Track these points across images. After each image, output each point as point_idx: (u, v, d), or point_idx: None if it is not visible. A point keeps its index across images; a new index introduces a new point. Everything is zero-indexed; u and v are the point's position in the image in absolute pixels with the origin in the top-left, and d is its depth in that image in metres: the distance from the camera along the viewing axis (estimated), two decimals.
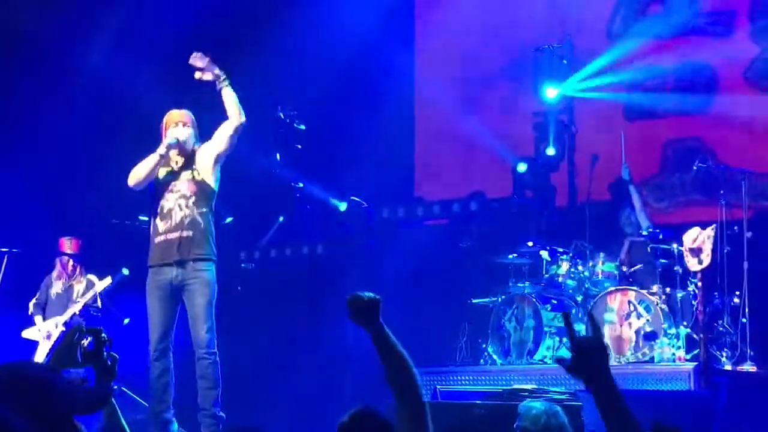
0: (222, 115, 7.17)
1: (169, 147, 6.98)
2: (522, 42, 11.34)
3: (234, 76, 10.61)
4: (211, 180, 7.03)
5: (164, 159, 7.01)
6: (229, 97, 7.13)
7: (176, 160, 7.07)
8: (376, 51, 11.71)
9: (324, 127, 11.03)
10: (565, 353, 4.76)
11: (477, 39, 11.79)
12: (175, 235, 6.87)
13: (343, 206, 11.06)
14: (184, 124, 7.11)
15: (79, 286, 9.69)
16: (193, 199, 6.93)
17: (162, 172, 7.08)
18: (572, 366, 2.66)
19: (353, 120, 11.49)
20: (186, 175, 7.02)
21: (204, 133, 7.23)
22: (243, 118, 7.11)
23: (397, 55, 12.21)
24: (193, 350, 6.84)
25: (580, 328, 9.05)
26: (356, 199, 10.99)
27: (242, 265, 11.08)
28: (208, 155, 7.05)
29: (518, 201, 10.81)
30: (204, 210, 6.94)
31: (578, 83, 10.96)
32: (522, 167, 10.86)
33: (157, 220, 7.00)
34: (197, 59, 7.17)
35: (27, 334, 9.63)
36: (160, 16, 10.67)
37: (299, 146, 10.42)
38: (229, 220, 10.06)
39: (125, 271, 9.54)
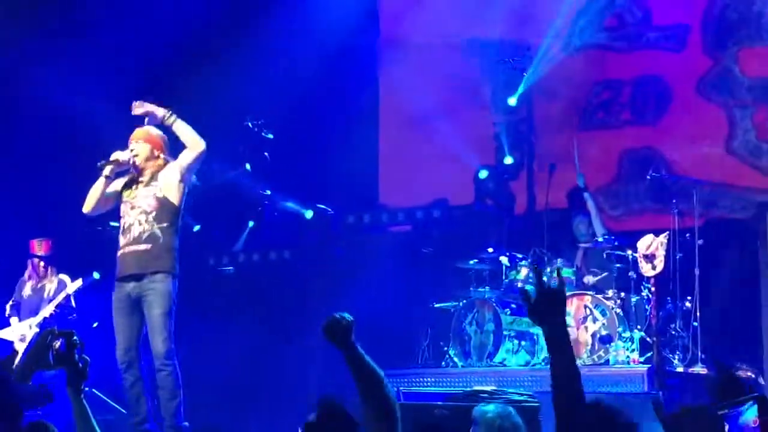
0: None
1: (111, 168, 6.99)
2: (483, 55, 11.38)
3: (203, 87, 10.70)
4: (174, 196, 6.96)
5: (110, 180, 7.03)
6: (181, 129, 7.08)
7: (141, 178, 7.05)
8: (341, 63, 11.72)
9: (291, 136, 11.05)
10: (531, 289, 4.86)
11: (439, 52, 11.79)
12: (132, 248, 6.86)
13: (309, 213, 11.09)
14: (137, 141, 7.07)
15: (50, 286, 9.66)
16: (153, 214, 6.88)
17: (126, 190, 7.08)
18: (534, 307, 2.85)
19: (319, 130, 11.52)
20: (148, 191, 6.98)
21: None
22: (202, 146, 7.07)
23: (362, 67, 12.26)
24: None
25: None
26: (322, 206, 11.03)
27: (221, 268, 11.06)
28: (172, 173, 7.00)
29: (479, 208, 10.85)
30: (164, 225, 6.89)
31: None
32: (483, 174, 10.91)
33: (120, 235, 7.00)
34: (136, 108, 7.14)
35: (2, 334, 9.61)
36: (130, 29, 10.64)
37: (266, 155, 10.43)
38: (196, 228, 10.08)
39: (96, 276, 9.50)
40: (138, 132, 7.11)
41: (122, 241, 6.94)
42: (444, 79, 11.67)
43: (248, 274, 11.30)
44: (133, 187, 7.06)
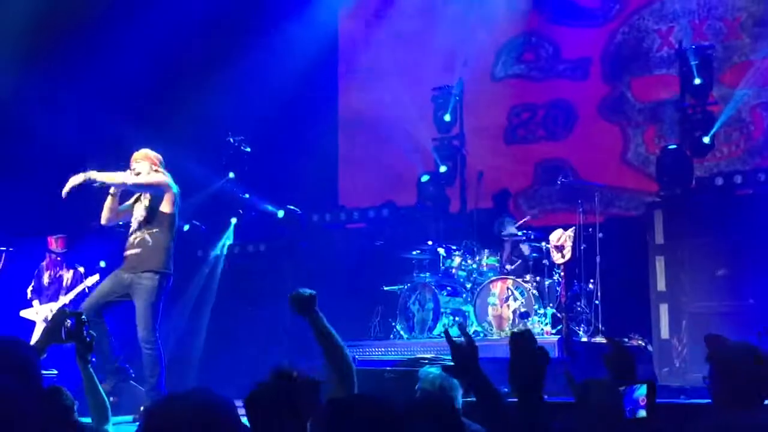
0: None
1: (114, 187, 6.93)
2: (425, 82, 11.40)
3: (192, 109, 10.64)
4: (162, 205, 6.91)
5: (115, 196, 6.96)
6: (108, 180, 6.85)
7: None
8: (307, 87, 11.72)
9: (266, 149, 11.01)
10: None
11: (390, 78, 11.80)
12: (129, 252, 6.89)
13: (281, 213, 11.07)
14: (137, 161, 6.97)
15: (67, 276, 9.60)
16: (144, 222, 6.88)
17: (131, 201, 7.07)
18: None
19: (289, 143, 11.47)
20: (142, 202, 6.97)
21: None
22: (131, 181, 6.88)
23: (325, 90, 12.28)
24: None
25: (468, 309, 9.19)
26: (292, 207, 11.02)
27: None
28: None
29: (420, 209, 10.86)
30: (154, 231, 6.86)
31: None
32: (425, 178, 10.91)
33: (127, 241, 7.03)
34: (67, 189, 6.83)
35: (24, 313, 9.51)
36: (126, 58, 10.51)
37: (246, 167, 10.43)
38: (186, 227, 10.03)
39: (102, 264, 9.46)
40: (137, 154, 7.01)
41: (126, 244, 6.96)
42: (394, 101, 11.67)
43: (231, 263, 11.25)
44: (137, 199, 7.05)
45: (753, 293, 8.72)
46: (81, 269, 9.59)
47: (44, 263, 9.65)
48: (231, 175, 10.72)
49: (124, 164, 7.04)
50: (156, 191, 6.92)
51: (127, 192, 7.04)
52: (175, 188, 6.99)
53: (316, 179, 11.82)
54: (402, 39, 11.90)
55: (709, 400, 3.54)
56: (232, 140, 10.37)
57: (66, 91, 10.06)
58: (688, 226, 9.20)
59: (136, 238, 6.88)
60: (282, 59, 11.26)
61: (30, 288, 9.60)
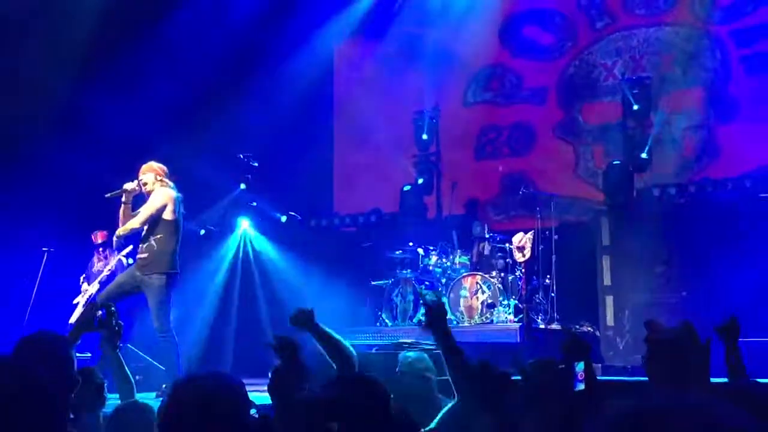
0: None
1: (123, 196, 6.82)
2: (408, 106, 11.43)
3: (211, 131, 10.64)
4: (165, 214, 6.71)
5: (128, 205, 6.82)
6: (128, 225, 6.78)
7: None
8: (307, 111, 11.69)
9: (271, 164, 10.96)
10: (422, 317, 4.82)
11: (378, 103, 11.80)
12: (139, 255, 6.76)
13: (284, 218, 11.06)
14: (144, 173, 6.82)
15: (113, 262, 9.49)
16: (150, 228, 6.73)
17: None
18: (425, 325, 2.87)
19: (291, 159, 11.42)
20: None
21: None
22: (138, 224, 6.73)
23: (322, 114, 12.27)
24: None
25: (443, 300, 9.21)
26: (293, 213, 11.02)
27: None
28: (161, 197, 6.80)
29: (403, 215, 10.88)
30: (159, 236, 6.68)
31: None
32: (407, 187, 10.94)
33: None
34: (113, 193, 6.89)
35: (78, 299, 9.36)
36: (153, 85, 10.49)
37: (254, 180, 10.42)
38: (202, 232, 10.01)
39: (130, 261, 9.41)
40: (144, 167, 6.86)
41: (139, 248, 6.84)
42: (380, 122, 11.68)
43: (239, 263, 11.24)
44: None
45: (685, 287, 8.79)
46: (124, 259, 9.46)
47: (94, 258, 9.49)
48: (242, 186, 10.68)
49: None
50: (160, 211, 6.72)
51: (139, 199, 6.87)
52: (176, 196, 6.80)
53: (314, 189, 11.81)
54: (388, 69, 11.89)
55: (644, 378, 3.58)
56: (242, 156, 10.35)
57: (109, 105, 9.96)
58: (630, 230, 9.26)
59: (144, 243, 6.72)
60: (285, 86, 11.25)
61: (82, 277, 9.46)
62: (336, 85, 12.71)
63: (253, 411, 2.33)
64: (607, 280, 9.29)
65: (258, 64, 11.53)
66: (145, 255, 6.70)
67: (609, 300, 9.26)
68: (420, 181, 10.85)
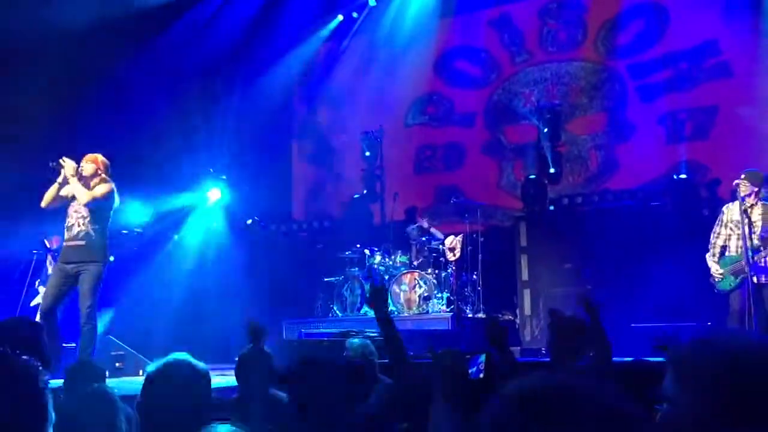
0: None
1: (59, 172, 6.14)
2: (358, 127, 11.45)
3: (181, 145, 10.49)
4: (102, 207, 6.16)
5: (62, 185, 6.15)
6: (72, 184, 6.14)
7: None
8: (268, 135, 11.69)
9: (238, 177, 10.89)
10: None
11: (330, 125, 11.84)
12: (72, 243, 6.10)
13: (249, 221, 10.92)
14: (87, 162, 6.22)
15: None
16: (88, 218, 6.10)
17: (70, 195, 6.21)
18: (369, 300, 2.93)
19: (255, 173, 11.38)
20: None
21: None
22: (86, 199, 6.08)
23: (283, 135, 12.25)
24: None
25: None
26: (256, 218, 10.95)
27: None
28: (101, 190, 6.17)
29: (351, 220, 10.89)
30: (96, 227, 6.10)
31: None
32: (356, 196, 10.94)
33: (65, 231, 6.19)
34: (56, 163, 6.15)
35: (34, 302, 9.00)
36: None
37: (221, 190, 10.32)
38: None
39: (111, 258, 9.12)
40: (88, 156, 6.25)
41: (66, 235, 6.16)
42: (335, 140, 11.76)
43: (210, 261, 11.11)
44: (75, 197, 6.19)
45: (590, 281, 8.96)
46: None
47: (47, 262, 9.10)
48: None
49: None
50: (106, 201, 6.19)
51: (66, 182, 6.18)
52: (114, 192, 6.24)
53: (274, 199, 11.76)
54: (339, 94, 11.92)
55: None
56: (211, 170, 10.27)
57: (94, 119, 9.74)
58: (544, 233, 9.42)
59: (80, 231, 6.09)
60: (251, 111, 11.23)
61: (37, 282, 9.12)
62: (296, 108, 12.69)
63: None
64: (525, 276, 9.43)
65: (225, 87, 11.48)
66: (82, 243, 6.09)
67: (526, 292, 9.38)
68: (364, 191, 10.84)
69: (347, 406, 2.49)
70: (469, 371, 2.45)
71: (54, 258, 8.90)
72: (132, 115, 10.05)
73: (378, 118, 11.28)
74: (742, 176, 6.33)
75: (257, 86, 11.54)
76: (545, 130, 9.79)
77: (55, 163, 6.13)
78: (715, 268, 6.49)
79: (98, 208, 6.14)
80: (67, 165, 6.13)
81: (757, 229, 6.30)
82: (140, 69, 10.00)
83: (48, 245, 9.09)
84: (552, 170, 9.65)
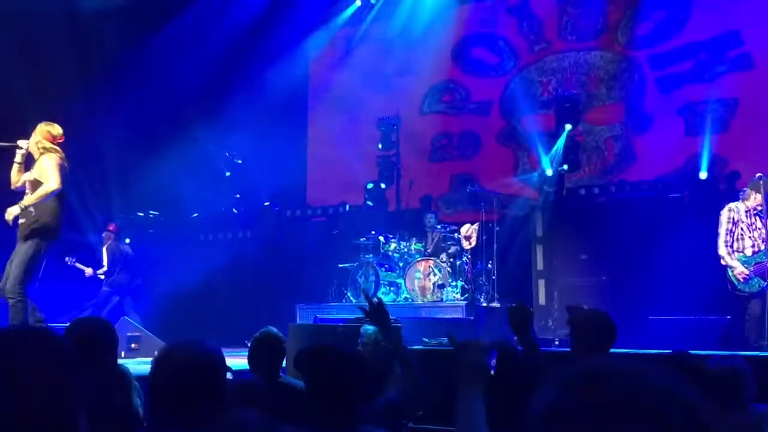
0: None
1: (19, 155, 5.70)
2: (374, 114, 11.34)
3: (202, 130, 10.49)
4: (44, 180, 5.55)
5: (22, 165, 5.74)
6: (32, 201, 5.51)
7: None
8: (286, 117, 11.61)
9: (254, 162, 10.84)
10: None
11: (347, 110, 11.75)
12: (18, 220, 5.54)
13: (266, 203, 10.83)
14: (34, 133, 5.66)
15: None
16: (28, 194, 5.56)
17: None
18: (369, 318, 2.87)
19: (271, 158, 11.30)
20: (29, 175, 5.67)
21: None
22: (30, 202, 5.49)
23: (298, 118, 12.17)
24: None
25: (400, 281, 9.15)
26: (272, 203, 10.90)
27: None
28: (43, 166, 5.57)
29: (366, 207, 10.83)
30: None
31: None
32: (370, 185, 10.88)
33: None
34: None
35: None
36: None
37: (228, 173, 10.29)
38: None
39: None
40: (38, 127, 5.68)
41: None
42: (349, 127, 11.65)
43: (227, 246, 11.13)
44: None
45: (605, 272, 8.88)
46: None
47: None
48: (227, 174, 10.49)
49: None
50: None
51: (30, 160, 5.67)
52: (64, 166, 5.65)
53: (290, 185, 11.70)
54: (357, 80, 11.83)
55: (569, 349, 3.63)
56: (227, 155, 10.24)
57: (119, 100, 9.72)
58: (560, 223, 9.34)
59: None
60: (267, 95, 11.17)
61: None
62: (311, 94, 12.63)
63: (228, 375, 2.26)
64: (540, 266, 9.35)
65: (244, 72, 11.44)
66: (22, 221, 5.58)
67: (541, 282, 9.31)
68: (383, 185, 10.74)
69: (366, 395, 2.42)
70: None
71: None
72: (148, 100, 10.05)
73: (395, 105, 11.18)
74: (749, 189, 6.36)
75: (274, 71, 11.47)
76: (563, 120, 9.64)
77: (4, 144, 5.73)
78: (741, 268, 6.36)
79: (40, 183, 5.57)
80: (22, 143, 5.68)
81: (762, 233, 6.23)
82: (158, 53, 9.99)
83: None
84: (565, 167, 9.50)
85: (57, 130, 5.69)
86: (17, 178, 5.72)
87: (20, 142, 5.69)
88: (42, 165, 5.56)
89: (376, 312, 3.00)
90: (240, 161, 10.22)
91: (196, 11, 10.55)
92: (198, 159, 10.13)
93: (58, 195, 5.58)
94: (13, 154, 5.73)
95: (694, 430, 0.82)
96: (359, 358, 2.63)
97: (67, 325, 3.10)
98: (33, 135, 5.64)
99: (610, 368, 0.88)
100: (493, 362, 2.84)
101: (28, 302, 5.51)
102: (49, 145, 5.61)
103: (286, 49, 11.66)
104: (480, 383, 1.91)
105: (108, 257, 9.21)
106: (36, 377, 1.37)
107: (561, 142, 9.49)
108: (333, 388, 2.43)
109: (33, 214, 5.51)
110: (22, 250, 5.52)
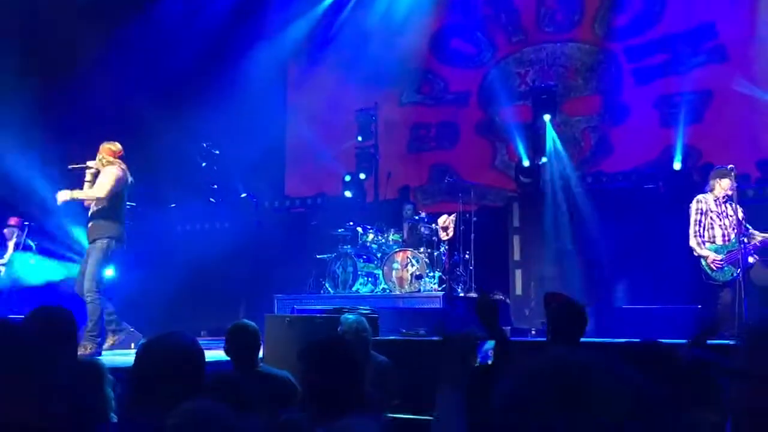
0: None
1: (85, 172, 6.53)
2: (352, 105, 11.32)
3: (175, 124, 10.41)
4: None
5: (90, 182, 6.51)
6: (82, 197, 6.43)
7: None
8: (265, 110, 11.51)
9: (231, 153, 10.78)
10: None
11: (325, 101, 11.71)
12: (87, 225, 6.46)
13: (243, 195, 10.74)
14: (99, 152, 6.51)
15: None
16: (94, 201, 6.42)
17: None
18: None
19: (249, 149, 11.24)
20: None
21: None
22: (93, 195, 6.35)
23: (277, 112, 12.09)
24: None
25: (378, 272, 9.18)
26: (249, 194, 10.82)
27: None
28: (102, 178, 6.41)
29: (344, 198, 10.84)
30: (98, 207, 6.36)
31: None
32: (347, 178, 10.89)
33: None
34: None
35: None
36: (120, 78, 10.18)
37: (215, 167, 10.24)
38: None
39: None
40: (101, 146, 6.53)
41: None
42: (327, 118, 11.61)
43: (206, 235, 11.08)
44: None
45: (581, 262, 8.98)
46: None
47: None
48: (203, 164, 10.42)
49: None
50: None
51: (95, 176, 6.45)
52: (124, 176, 6.43)
53: (268, 176, 11.67)
54: (335, 72, 11.79)
55: (544, 338, 3.69)
56: (205, 145, 10.17)
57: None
58: (537, 214, 9.40)
59: (90, 212, 6.44)
60: (246, 87, 11.08)
61: None
62: (289, 85, 12.58)
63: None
64: (517, 256, 9.42)
65: (220, 63, 11.36)
66: (90, 224, 6.40)
67: (518, 273, 9.39)
68: (361, 176, 10.75)
69: (350, 385, 2.45)
70: (479, 357, 2.40)
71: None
72: (123, 92, 9.96)
73: (373, 96, 11.17)
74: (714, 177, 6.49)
75: (251, 61, 11.40)
76: (542, 111, 9.70)
77: (74, 165, 6.48)
78: (714, 256, 6.49)
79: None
80: (90, 165, 6.46)
81: (733, 221, 6.36)
82: (130, 46, 9.91)
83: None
84: (545, 159, 9.57)
85: (117, 146, 6.50)
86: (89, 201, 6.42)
87: (89, 163, 6.47)
88: (102, 173, 6.37)
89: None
90: (217, 152, 10.14)
91: (167, 5, 10.45)
92: (174, 149, 10.05)
93: (119, 203, 6.39)
94: (84, 175, 6.49)
95: (645, 421, 0.86)
96: (358, 352, 2.64)
97: (25, 315, 3.12)
98: (98, 154, 6.45)
99: (566, 360, 0.91)
100: (491, 353, 2.87)
101: (104, 300, 6.25)
102: (111, 159, 6.42)
103: (265, 39, 11.59)
104: (463, 374, 1.94)
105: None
106: None
107: (551, 133, 9.56)
108: (336, 384, 2.44)
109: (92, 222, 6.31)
110: (93, 253, 6.26)
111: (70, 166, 6.55)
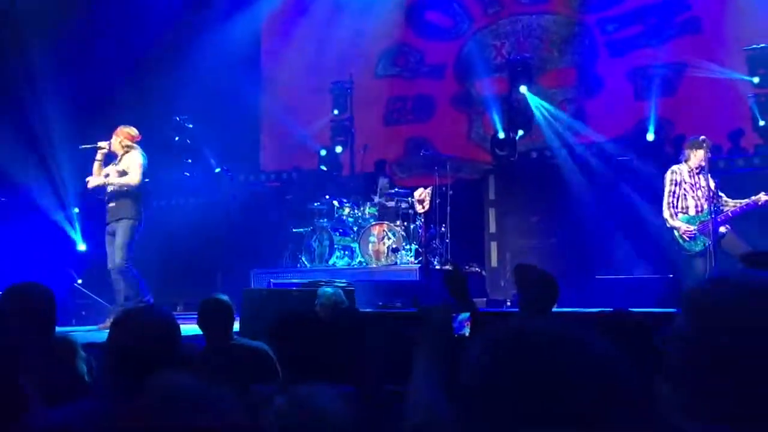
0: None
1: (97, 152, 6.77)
2: (327, 77, 11.26)
3: (146, 96, 10.27)
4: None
5: (100, 161, 6.80)
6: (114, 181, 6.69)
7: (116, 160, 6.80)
8: (238, 83, 11.33)
9: (206, 126, 10.66)
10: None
11: (300, 74, 11.62)
12: (109, 204, 6.68)
13: (217, 169, 10.65)
14: (115, 135, 6.73)
15: None
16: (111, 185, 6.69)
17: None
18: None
19: (223, 123, 11.13)
20: (111, 169, 6.72)
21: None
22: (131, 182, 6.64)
23: (251, 84, 11.91)
24: None
25: (355, 245, 9.19)
26: (225, 168, 10.71)
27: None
28: (130, 160, 6.67)
29: (320, 172, 10.81)
30: (123, 189, 6.61)
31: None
32: (323, 152, 10.86)
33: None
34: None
35: None
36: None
37: (189, 141, 10.13)
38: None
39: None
40: (117, 129, 6.74)
41: (106, 197, 6.70)
42: (302, 91, 11.52)
43: (181, 211, 10.98)
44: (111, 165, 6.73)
45: (555, 234, 9.08)
46: None
47: None
48: (176, 138, 10.31)
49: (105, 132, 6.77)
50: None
51: (108, 158, 6.73)
52: (140, 159, 6.68)
53: (243, 149, 11.57)
54: (309, 43, 11.68)
55: (518, 309, 3.74)
56: (178, 119, 10.05)
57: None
58: (512, 186, 9.48)
59: (112, 192, 6.66)
60: (219, 58, 10.92)
61: None
62: (263, 58, 12.43)
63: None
64: (492, 229, 9.50)
65: (193, 36, 11.17)
66: (113, 204, 6.64)
67: (494, 245, 9.47)
68: (338, 149, 10.73)
69: (320, 354, 2.48)
70: (454, 328, 2.43)
71: None
72: (96, 65, 9.79)
73: (348, 69, 11.10)
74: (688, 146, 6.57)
75: (223, 35, 11.23)
76: (519, 83, 9.72)
77: (86, 145, 6.70)
78: (686, 227, 6.58)
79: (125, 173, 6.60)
80: (101, 146, 6.66)
81: (706, 192, 6.45)
82: (102, 19, 9.73)
83: None
84: (521, 133, 9.60)
85: (134, 131, 6.74)
86: (98, 173, 6.66)
87: (101, 143, 6.66)
88: (130, 159, 6.59)
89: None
90: (191, 125, 10.03)
91: None
92: (147, 123, 9.89)
93: (142, 185, 6.62)
94: (95, 153, 6.69)
95: (609, 389, 0.88)
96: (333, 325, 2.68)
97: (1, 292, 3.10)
98: (114, 136, 6.64)
99: (529, 330, 0.93)
100: (466, 324, 2.90)
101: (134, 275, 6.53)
102: (131, 143, 6.65)
103: (239, 11, 11.43)
104: (439, 346, 1.96)
105: None
106: None
107: (534, 101, 9.60)
108: (310, 357, 2.47)
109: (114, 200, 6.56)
110: (119, 231, 6.51)
111: (81, 147, 6.73)
